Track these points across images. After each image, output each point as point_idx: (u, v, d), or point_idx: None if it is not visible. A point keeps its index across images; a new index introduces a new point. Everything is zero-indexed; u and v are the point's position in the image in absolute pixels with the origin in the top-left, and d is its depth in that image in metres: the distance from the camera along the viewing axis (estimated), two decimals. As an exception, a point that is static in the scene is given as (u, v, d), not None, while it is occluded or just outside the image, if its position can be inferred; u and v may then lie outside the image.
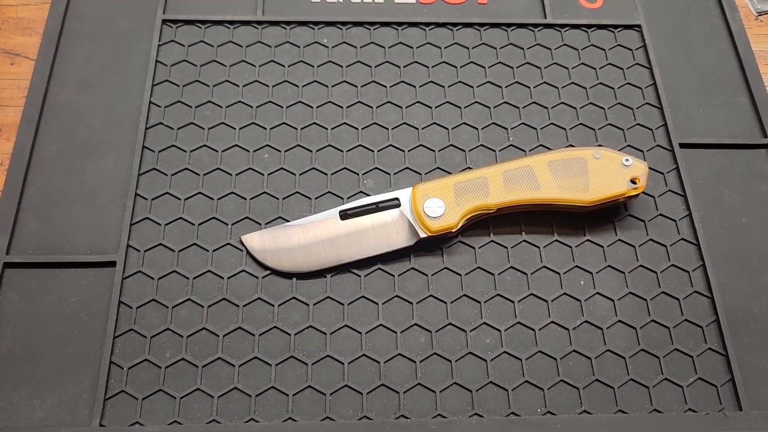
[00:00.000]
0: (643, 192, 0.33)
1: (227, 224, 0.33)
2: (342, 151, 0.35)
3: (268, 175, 0.34)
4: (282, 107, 0.36)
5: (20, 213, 0.33)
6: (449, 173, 0.34)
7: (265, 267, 0.31)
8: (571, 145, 0.35)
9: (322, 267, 0.31)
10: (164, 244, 0.32)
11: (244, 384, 0.29)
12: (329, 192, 0.34)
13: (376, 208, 0.32)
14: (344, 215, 0.32)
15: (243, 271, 0.31)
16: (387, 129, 0.36)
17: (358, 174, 0.34)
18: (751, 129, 0.36)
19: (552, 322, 0.31)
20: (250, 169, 0.34)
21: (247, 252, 0.32)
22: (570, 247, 0.33)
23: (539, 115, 0.36)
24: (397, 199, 0.32)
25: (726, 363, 0.30)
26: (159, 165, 0.34)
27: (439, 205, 0.31)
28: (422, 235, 0.31)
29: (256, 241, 0.32)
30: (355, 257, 0.31)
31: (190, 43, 0.38)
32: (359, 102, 0.36)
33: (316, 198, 0.33)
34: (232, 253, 0.32)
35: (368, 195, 0.33)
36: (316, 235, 0.31)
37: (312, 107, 0.36)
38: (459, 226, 0.31)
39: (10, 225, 0.32)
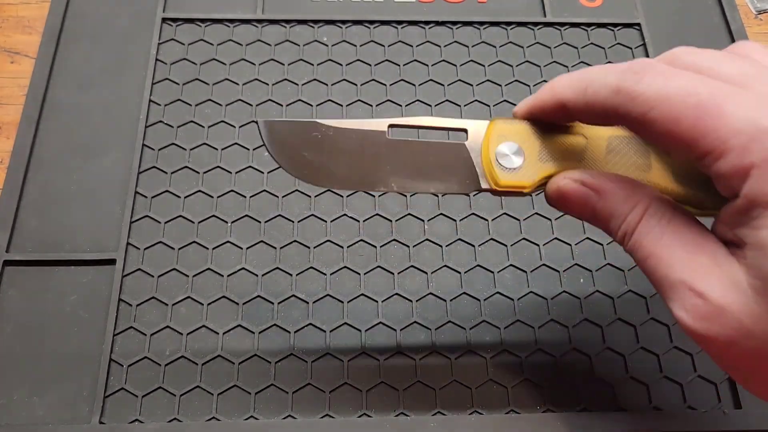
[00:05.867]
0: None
1: (227, 222, 0.33)
2: (342, 149, 0.35)
3: (268, 173, 0.34)
4: (282, 105, 0.36)
5: (20, 211, 0.33)
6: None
7: (283, 169, 0.25)
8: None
9: (356, 186, 0.25)
10: (164, 242, 0.32)
11: (243, 381, 0.29)
12: (329, 190, 0.34)
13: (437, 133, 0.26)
14: (394, 132, 0.25)
15: (243, 269, 0.31)
16: (387, 127, 0.36)
17: (357, 172, 0.34)
18: (750, 127, 0.36)
19: (551, 320, 0.31)
20: (250, 167, 0.34)
21: (264, 145, 0.25)
22: (569, 245, 0.33)
23: (539, 113, 0.36)
24: (464, 130, 0.24)
25: (725, 361, 0.30)
26: (159, 163, 0.34)
27: (518, 153, 0.24)
28: (484, 185, 0.24)
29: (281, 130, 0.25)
30: (397, 187, 0.24)
31: (189, 42, 0.38)
32: (359, 100, 0.36)
33: (315, 196, 0.33)
34: (231, 250, 0.32)
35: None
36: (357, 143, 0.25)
37: (312, 105, 0.36)
38: (534, 189, 0.24)
39: (10, 223, 0.32)
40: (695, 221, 0.21)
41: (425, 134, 0.27)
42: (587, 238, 0.33)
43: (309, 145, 0.25)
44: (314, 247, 0.32)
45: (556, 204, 0.23)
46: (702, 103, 0.18)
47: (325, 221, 0.33)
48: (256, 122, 0.25)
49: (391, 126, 0.25)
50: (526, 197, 0.28)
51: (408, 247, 0.32)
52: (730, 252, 0.19)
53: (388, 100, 0.36)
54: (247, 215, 0.33)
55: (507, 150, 0.24)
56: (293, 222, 0.33)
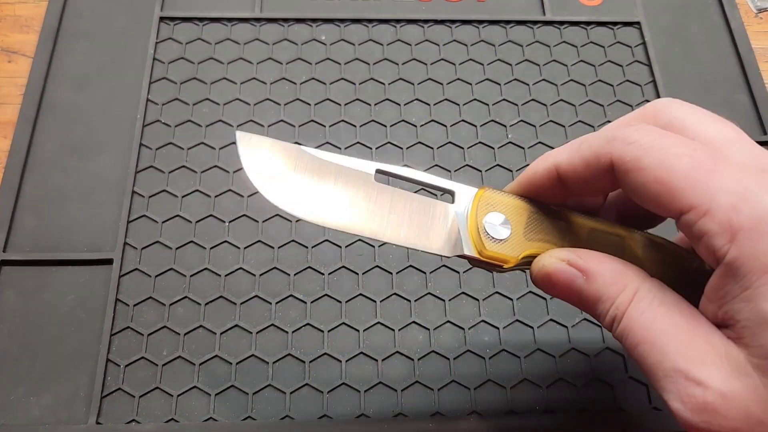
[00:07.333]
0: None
1: (224, 222, 0.32)
2: (340, 148, 0.35)
3: (266, 172, 0.34)
4: (280, 105, 0.36)
5: (17, 210, 0.32)
6: (447, 170, 0.34)
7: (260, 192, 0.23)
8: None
9: (331, 226, 0.23)
10: (161, 242, 0.32)
11: (241, 382, 0.29)
12: (327, 189, 0.33)
13: (424, 190, 0.26)
14: (380, 178, 0.23)
15: (240, 269, 0.31)
16: (385, 126, 0.36)
17: (356, 171, 0.34)
18: (750, 126, 0.36)
19: (550, 320, 0.31)
20: (248, 166, 0.34)
21: (242, 169, 0.23)
22: (569, 244, 0.32)
23: (538, 112, 0.36)
24: (452, 192, 0.24)
25: (725, 361, 0.30)
26: (156, 162, 0.34)
27: (505, 225, 0.23)
28: (467, 251, 0.23)
29: (260, 151, 0.23)
30: (374, 235, 0.23)
31: (187, 41, 0.38)
32: (357, 99, 0.36)
33: (313, 195, 0.33)
34: (229, 250, 0.32)
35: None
36: (341, 184, 0.23)
37: (310, 104, 0.36)
38: (515, 265, 0.22)
39: (7, 222, 0.32)
40: (685, 302, 0.19)
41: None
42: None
43: (293, 170, 0.23)
44: (312, 247, 0.32)
45: (541, 285, 0.22)
46: (696, 157, 0.17)
47: (324, 221, 0.33)
48: (235, 135, 0.23)
49: (378, 171, 0.23)
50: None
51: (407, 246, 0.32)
52: (723, 333, 0.18)
53: (387, 99, 0.36)
54: (244, 215, 0.33)
55: (494, 220, 0.23)
56: (291, 222, 0.33)
